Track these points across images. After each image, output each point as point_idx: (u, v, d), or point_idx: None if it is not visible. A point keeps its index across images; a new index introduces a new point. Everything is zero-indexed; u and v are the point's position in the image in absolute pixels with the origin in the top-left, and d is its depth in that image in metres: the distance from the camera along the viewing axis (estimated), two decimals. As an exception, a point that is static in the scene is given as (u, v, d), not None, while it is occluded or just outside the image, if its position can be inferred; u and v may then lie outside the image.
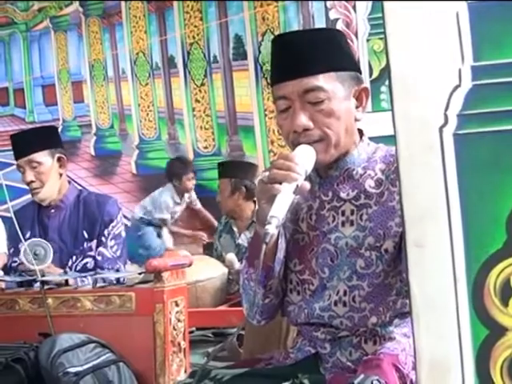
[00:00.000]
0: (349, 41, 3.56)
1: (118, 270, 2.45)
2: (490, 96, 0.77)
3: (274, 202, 1.16)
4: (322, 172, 1.35)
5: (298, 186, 1.19)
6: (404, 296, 1.30)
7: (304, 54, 1.28)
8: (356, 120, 1.33)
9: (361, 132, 1.37)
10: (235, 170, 3.69)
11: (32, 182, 2.46)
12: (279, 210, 1.15)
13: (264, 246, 1.12)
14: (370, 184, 1.32)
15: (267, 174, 1.22)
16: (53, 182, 2.49)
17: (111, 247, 2.44)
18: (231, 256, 3.25)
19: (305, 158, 1.23)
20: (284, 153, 1.25)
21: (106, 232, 2.44)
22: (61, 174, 2.52)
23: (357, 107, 1.32)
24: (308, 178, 1.25)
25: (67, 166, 2.60)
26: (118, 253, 2.46)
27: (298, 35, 1.41)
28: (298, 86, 1.27)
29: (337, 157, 1.32)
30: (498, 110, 0.77)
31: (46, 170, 2.47)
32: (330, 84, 1.28)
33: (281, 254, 1.32)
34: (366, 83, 3.60)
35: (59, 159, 2.52)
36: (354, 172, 1.33)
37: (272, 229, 1.12)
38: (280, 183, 1.18)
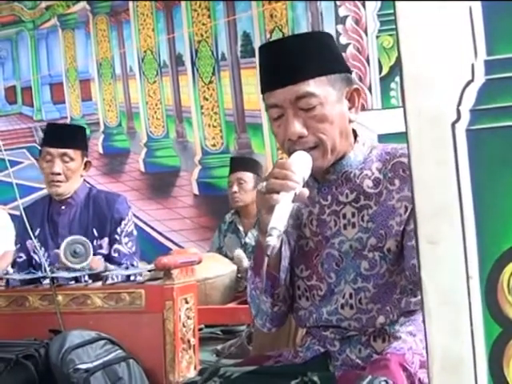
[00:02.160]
0: (357, 38, 3.55)
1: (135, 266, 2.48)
2: (504, 91, 0.76)
3: (273, 213, 1.15)
4: (319, 177, 1.35)
5: (296, 194, 1.18)
6: (408, 294, 1.29)
7: (293, 61, 1.27)
8: (350, 121, 1.32)
9: (354, 132, 1.36)
10: (255, 167, 3.73)
11: (58, 174, 2.51)
12: (279, 221, 1.14)
13: (266, 259, 1.12)
14: (368, 184, 1.31)
15: (265, 184, 1.20)
16: (75, 181, 2.56)
17: (126, 244, 2.48)
18: (240, 253, 3.24)
19: (301, 165, 1.23)
20: (280, 161, 1.24)
21: (118, 230, 2.47)
22: (81, 177, 2.60)
23: (350, 108, 1.32)
24: (305, 184, 1.24)
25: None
26: (134, 249, 2.51)
27: (285, 42, 1.40)
28: (289, 93, 1.26)
29: (334, 161, 1.32)
30: (511, 105, 0.76)
31: (75, 167, 2.54)
32: (322, 89, 1.27)
33: (285, 262, 1.32)
34: (376, 80, 3.59)
35: (86, 163, 2.60)
36: (352, 174, 1.33)
37: (273, 241, 1.11)
38: (278, 193, 1.17)
